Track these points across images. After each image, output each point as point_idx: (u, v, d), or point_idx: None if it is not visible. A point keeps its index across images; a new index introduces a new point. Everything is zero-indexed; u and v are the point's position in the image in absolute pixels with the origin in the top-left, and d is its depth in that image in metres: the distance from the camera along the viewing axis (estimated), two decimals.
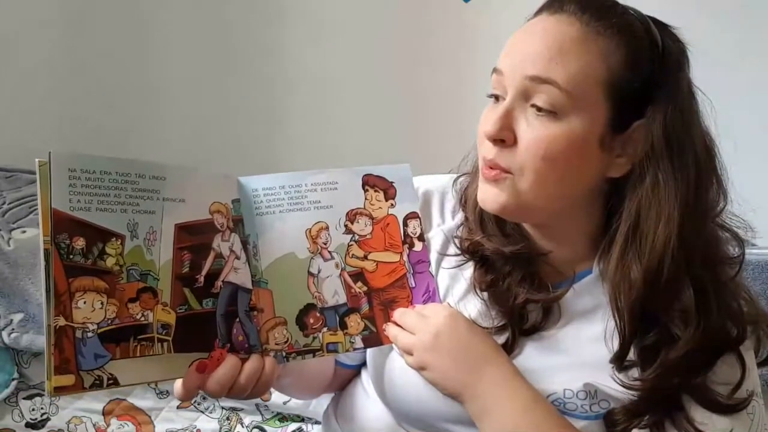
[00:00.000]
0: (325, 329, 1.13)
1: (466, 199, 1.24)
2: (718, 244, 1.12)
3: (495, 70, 1.10)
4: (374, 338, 1.16)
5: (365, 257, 1.17)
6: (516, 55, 1.07)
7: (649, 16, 1.10)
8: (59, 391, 0.88)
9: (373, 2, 2.20)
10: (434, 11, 2.17)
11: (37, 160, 0.96)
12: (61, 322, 0.88)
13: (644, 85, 1.05)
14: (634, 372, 1.08)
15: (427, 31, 2.18)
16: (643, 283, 1.05)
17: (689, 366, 1.06)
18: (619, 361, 1.09)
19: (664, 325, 1.06)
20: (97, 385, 0.90)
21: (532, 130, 1.04)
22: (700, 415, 1.07)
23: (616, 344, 1.09)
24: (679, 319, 1.05)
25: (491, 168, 1.08)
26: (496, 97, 1.10)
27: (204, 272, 1.04)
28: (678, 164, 1.04)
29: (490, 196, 1.10)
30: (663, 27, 1.10)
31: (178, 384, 1.02)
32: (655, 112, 1.05)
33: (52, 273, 0.88)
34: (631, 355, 1.08)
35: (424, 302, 1.18)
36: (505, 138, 1.06)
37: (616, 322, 1.08)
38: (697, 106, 1.09)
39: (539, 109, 1.03)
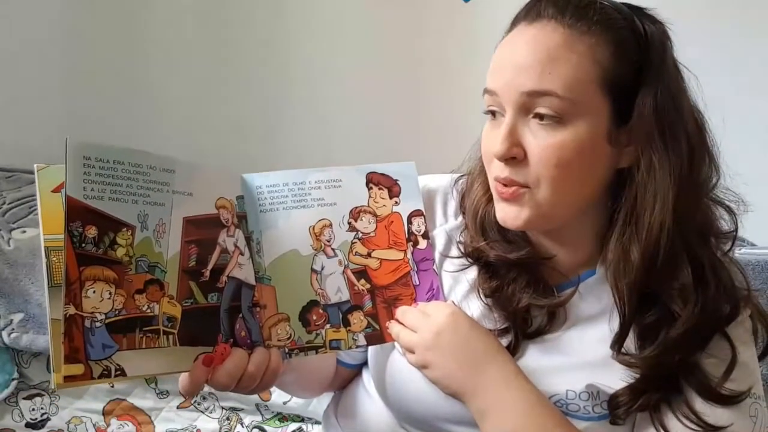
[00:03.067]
0: (327, 326, 1.14)
1: (465, 209, 1.24)
2: (712, 219, 1.13)
3: (487, 91, 1.09)
4: (377, 336, 1.16)
5: (369, 255, 1.18)
6: (506, 72, 1.06)
7: (623, 3, 1.10)
8: (69, 380, 0.88)
9: (373, 1, 2.20)
10: (434, 11, 2.17)
11: (35, 165, 0.97)
12: (71, 310, 0.88)
13: (635, 73, 1.06)
14: (635, 355, 1.08)
15: (427, 30, 2.18)
16: (642, 263, 1.05)
17: (689, 342, 1.06)
18: (619, 342, 1.09)
19: (663, 304, 1.07)
20: (105, 375, 0.91)
21: (540, 141, 1.04)
22: (698, 404, 1.07)
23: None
24: (678, 296, 1.06)
25: (507, 185, 1.08)
26: (493, 113, 1.10)
27: (210, 267, 1.05)
28: (671, 143, 1.05)
29: (510, 215, 1.09)
30: (639, 11, 1.10)
31: (183, 378, 1.02)
32: (645, 95, 1.05)
33: (64, 261, 0.89)
34: (632, 339, 1.09)
35: (428, 300, 1.18)
36: (515, 155, 1.05)
37: (615, 302, 1.09)
38: (684, 83, 1.10)
39: (542, 117, 1.03)
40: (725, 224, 1.14)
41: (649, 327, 1.08)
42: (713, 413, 1.07)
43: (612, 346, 1.10)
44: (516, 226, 1.10)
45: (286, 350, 1.11)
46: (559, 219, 1.11)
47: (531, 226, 1.11)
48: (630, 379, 1.08)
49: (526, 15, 1.09)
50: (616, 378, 1.09)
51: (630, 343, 1.09)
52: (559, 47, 1.03)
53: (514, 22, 1.11)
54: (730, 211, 1.14)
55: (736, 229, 1.15)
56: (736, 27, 2.00)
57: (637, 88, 1.05)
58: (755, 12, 2.00)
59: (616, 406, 1.09)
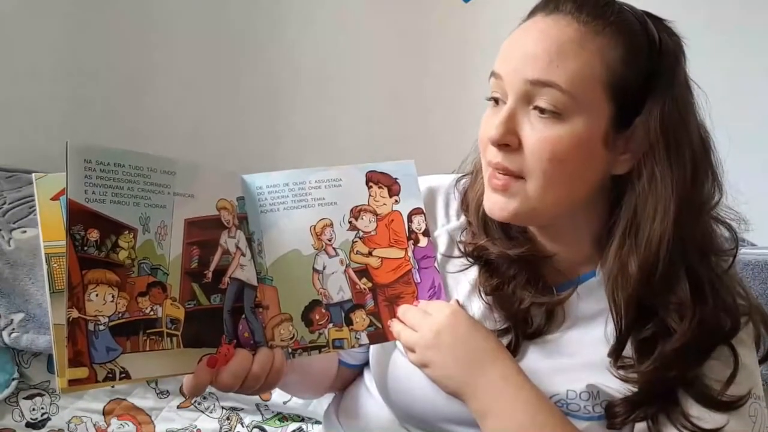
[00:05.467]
0: (330, 325, 1.14)
1: (467, 204, 1.24)
2: (713, 236, 1.13)
3: (493, 74, 1.09)
4: (380, 334, 1.16)
5: (370, 253, 1.17)
6: (514, 58, 1.06)
7: (643, 11, 1.10)
8: (73, 384, 0.88)
9: (374, 2, 2.20)
10: (434, 11, 2.17)
11: (34, 174, 0.97)
12: (74, 314, 0.88)
13: (644, 81, 1.05)
14: (632, 368, 1.08)
15: (427, 30, 2.18)
16: (640, 276, 1.05)
17: (686, 358, 1.06)
18: (615, 353, 1.09)
19: (660, 318, 1.07)
20: (110, 378, 0.90)
21: (537, 133, 1.04)
22: (695, 410, 1.07)
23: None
24: (675, 311, 1.06)
25: (499, 174, 1.08)
26: (496, 100, 1.10)
27: (212, 268, 1.04)
28: (675, 158, 1.04)
29: (498, 205, 1.09)
30: (658, 21, 1.10)
31: (188, 379, 1.02)
32: (652, 106, 1.04)
33: (66, 265, 0.88)
34: (629, 350, 1.09)
35: (430, 298, 1.18)
36: (509, 142, 1.05)
37: (612, 315, 1.08)
38: (693, 99, 1.10)
39: (542, 111, 1.03)
40: (726, 242, 1.14)
41: (646, 341, 1.07)
42: (711, 418, 1.06)
43: (609, 355, 1.10)
44: (502, 217, 1.10)
45: (290, 350, 1.11)
46: (547, 216, 1.11)
47: (518, 219, 1.11)
48: (629, 385, 1.08)
49: (545, 7, 1.09)
50: (616, 378, 1.09)
51: (628, 353, 1.09)
52: (570, 42, 1.03)
53: (532, 13, 1.11)
54: (731, 229, 1.14)
55: (737, 248, 1.14)
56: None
57: (644, 97, 1.05)
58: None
59: (612, 416, 1.09)
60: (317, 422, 1.80)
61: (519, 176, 1.06)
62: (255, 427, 1.83)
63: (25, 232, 1.82)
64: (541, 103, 1.03)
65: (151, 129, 2.15)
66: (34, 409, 1.77)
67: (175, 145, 2.08)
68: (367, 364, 1.34)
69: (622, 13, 1.07)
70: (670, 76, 1.06)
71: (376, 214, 1.18)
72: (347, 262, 1.16)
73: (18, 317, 1.75)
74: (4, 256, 1.78)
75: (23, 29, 2.09)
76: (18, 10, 2.07)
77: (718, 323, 1.08)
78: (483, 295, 1.17)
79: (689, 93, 1.09)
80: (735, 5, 2.06)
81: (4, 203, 1.86)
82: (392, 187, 1.20)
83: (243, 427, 1.83)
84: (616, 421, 1.09)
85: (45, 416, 1.78)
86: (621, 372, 1.08)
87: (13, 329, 1.74)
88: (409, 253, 1.19)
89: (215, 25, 2.20)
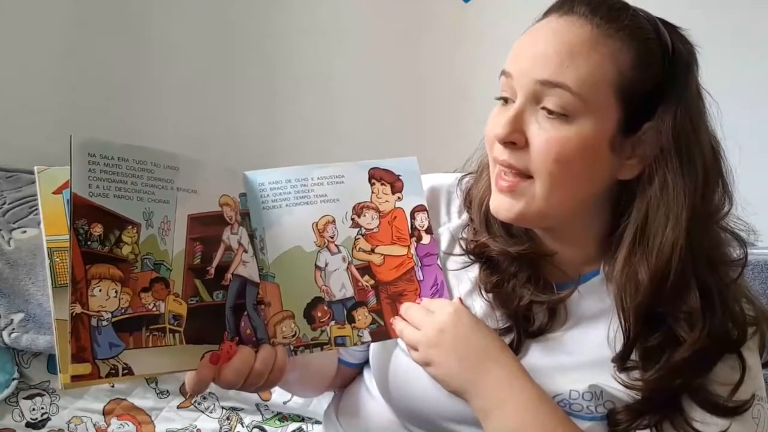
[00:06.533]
0: (332, 323, 1.14)
1: (470, 200, 1.23)
2: (722, 246, 1.12)
3: (503, 73, 1.09)
4: (382, 332, 1.16)
5: (372, 251, 1.17)
6: (525, 58, 1.06)
7: (657, 18, 1.09)
8: (76, 380, 0.87)
9: (374, 2, 2.20)
10: (434, 11, 2.17)
11: (36, 167, 0.96)
12: (78, 309, 0.87)
13: (654, 87, 1.05)
14: (636, 373, 1.08)
15: (427, 30, 2.18)
16: (650, 285, 1.04)
17: (692, 367, 1.05)
18: (621, 361, 1.08)
19: (669, 327, 1.06)
20: (112, 374, 0.90)
21: (544, 133, 1.04)
22: (699, 415, 1.06)
23: (620, 345, 1.08)
24: (684, 321, 1.05)
25: (506, 175, 1.08)
26: (505, 100, 1.10)
27: (215, 264, 1.04)
28: (686, 166, 1.04)
29: (504, 206, 1.09)
30: (672, 28, 1.09)
31: (190, 376, 1.02)
32: (664, 113, 1.04)
33: (70, 260, 0.87)
34: (634, 356, 1.08)
35: (432, 295, 1.18)
36: (515, 140, 1.05)
37: (621, 322, 1.08)
38: (705, 108, 1.09)
39: (550, 112, 1.03)
40: (734, 251, 1.13)
41: (652, 349, 1.07)
42: (714, 421, 1.06)
43: (614, 361, 1.09)
44: (508, 218, 1.10)
45: (292, 347, 1.11)
46: (552, 217, 1.10)
47: (523, 220, 1.11)
48: (632, 392, 1.08)
49: (559, 8, 1.08)
50: (620, 384, 1.09)
51: (632, 356, 1.08)
52: (582, 44, 1.03)
53: (546, 13, 1.10)
54: (740, 240, 1.13)
55: (746, 257, 1.14)
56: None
57: (654, 103, 1.05)
58: None
59: (615, 424, 1.09)
60: (317, 422, 1.80)
61: (526, 175, 1.06)
62: (255, 427, 1.83)
63: (25, 232, 1.82)
64: (550, 104, 1.03)
65: (151, 128, 2.15)
66: (34, 409, 1.77)
67: (175, 145, 2.07)
68: (366, 363, 1.34)
69: (636, 17, 1.07)
70: (683, 84, 1.06)
71: (379, 211, 1.18)
72: (349, 259, 1.16)
73: (18, 317, 1.75)
74: (4, 256, 1.78)
75: (23, 29, 2.09)
76: (18, 10, 2.07)
77: (726, 332, 1.07)
78: (483, 293, 1.17)
79: (701, 101, 1.09)
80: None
81: (4, 203, 1.86)
82: (395, 183, 1.20)
83: (243, 427, 1.83)
84: (619, 429, 1.08)
85: (45, 416, 1.78)
86: (624, 377, 1.08)
87: (13, 329, 1.74)
88: (412, 251, 1.19)
89: (215, 25, 2.20)
